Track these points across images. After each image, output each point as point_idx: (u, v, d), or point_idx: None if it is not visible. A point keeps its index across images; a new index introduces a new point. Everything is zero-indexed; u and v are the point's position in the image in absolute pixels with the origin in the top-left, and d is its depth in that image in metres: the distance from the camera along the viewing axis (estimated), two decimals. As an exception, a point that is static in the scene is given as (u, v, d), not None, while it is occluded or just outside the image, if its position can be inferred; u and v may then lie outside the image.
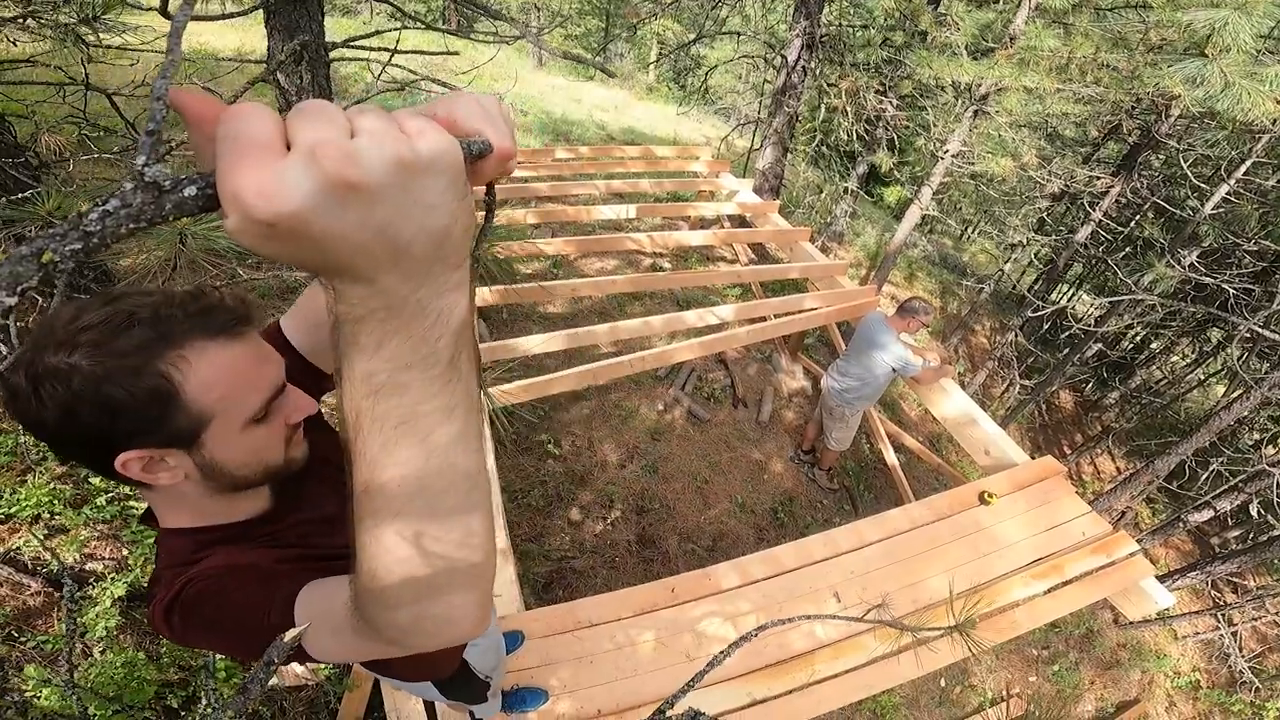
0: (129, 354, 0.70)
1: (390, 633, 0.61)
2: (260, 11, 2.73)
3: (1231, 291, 6.71)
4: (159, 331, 0.71)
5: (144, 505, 0.92)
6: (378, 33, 2.32)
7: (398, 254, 0.44)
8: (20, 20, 2.61)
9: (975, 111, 5.79)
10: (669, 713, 1.16)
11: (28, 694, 2.45)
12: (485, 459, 0.84)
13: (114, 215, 0.42)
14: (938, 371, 4.28)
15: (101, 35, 2.82)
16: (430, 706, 2.48)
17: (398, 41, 2.40)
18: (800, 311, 4.93)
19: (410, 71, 2.51)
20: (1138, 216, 9.36)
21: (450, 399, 0.52)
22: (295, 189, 0.38)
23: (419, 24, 2.61)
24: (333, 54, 2.63)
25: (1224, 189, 7.02)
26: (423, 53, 2.14)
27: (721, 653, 1.16)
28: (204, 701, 1.21)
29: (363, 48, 2.38)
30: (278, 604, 0.77)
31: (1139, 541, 3.92)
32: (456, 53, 2.16)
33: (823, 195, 10.74)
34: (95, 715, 2.17)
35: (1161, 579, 3.59)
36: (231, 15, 1.90)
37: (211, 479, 0.81)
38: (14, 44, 3.23)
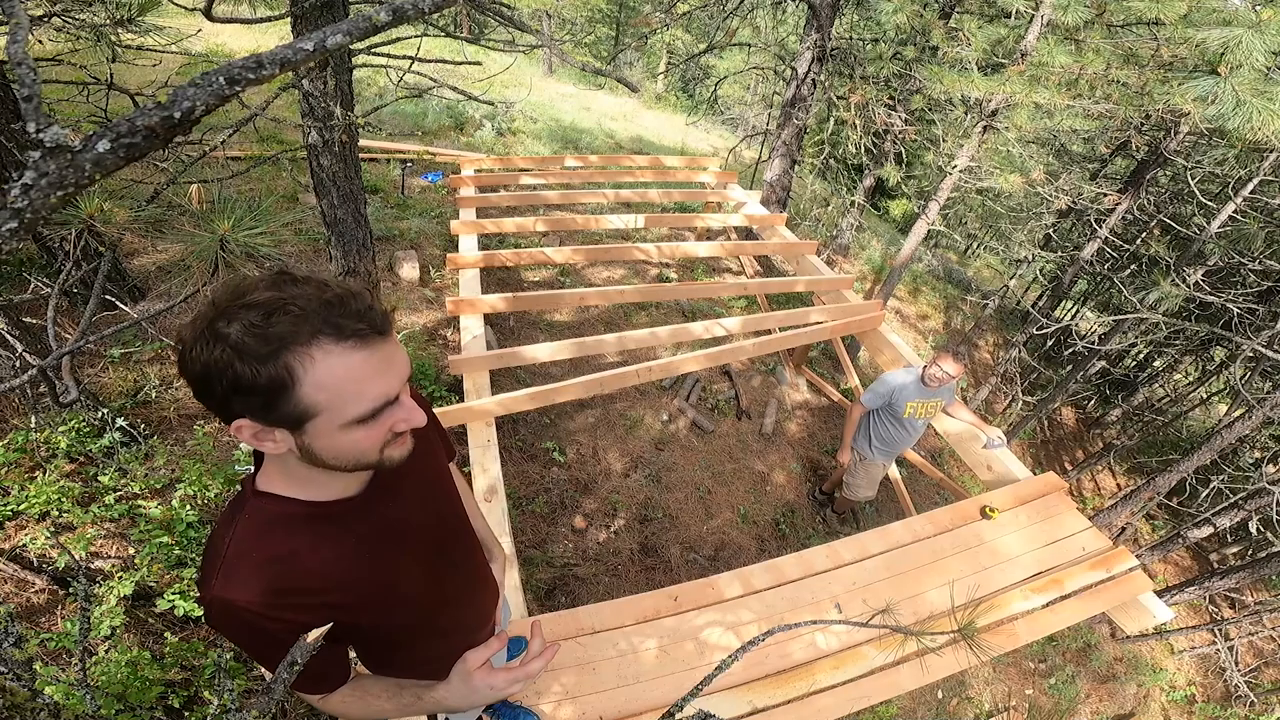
0: (268, 340, 0.77)
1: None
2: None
3: (1236, 310, 6.72)
4: (299, 327, 0.78)
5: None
6: (399, 39, 2.35)
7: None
8: (45, 19, 2.64)
9: (984, 127, 5.80)
10: (678, 716, 1.18)
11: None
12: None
13: (36, 187, 0.43)
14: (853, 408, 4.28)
15: (125, 35, 2.84)
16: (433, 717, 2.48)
17: (418, 49, 2.44)
18: (806, 325, 4.95)
19: (430, 79, 2.54)
20: (1144, 234, 9.37)
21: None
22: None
23: (440, 32, 2.65)
24: (355, 60, 2.67)
25: (1230, 207, 7.04)
26: (445, 61, 2.16)
27: (729, 656, 1.18)
28: (216, 702, 1.25)
29: (385, 54, 2.42)
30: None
31: (1138, 557, 3.92)
32: (479, 63, 2.18)
33: (829, 208, 10.76)
34: (104, 715, 2.19)
35: (1160, 594, 3.60)
36: (264, 20, 1.93)
37: (307, 460, 0.89)
38: (40, 42, 3.26)
